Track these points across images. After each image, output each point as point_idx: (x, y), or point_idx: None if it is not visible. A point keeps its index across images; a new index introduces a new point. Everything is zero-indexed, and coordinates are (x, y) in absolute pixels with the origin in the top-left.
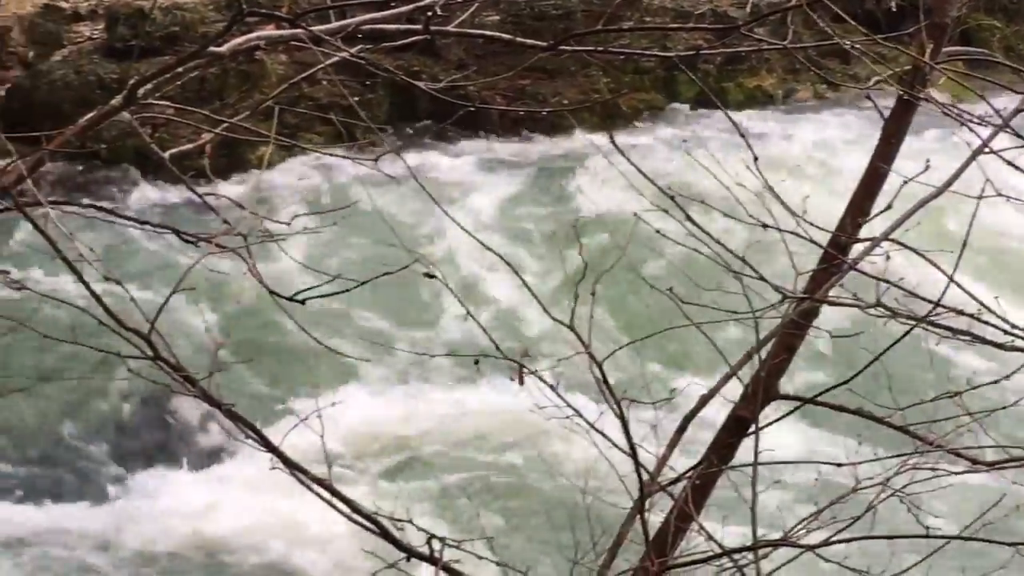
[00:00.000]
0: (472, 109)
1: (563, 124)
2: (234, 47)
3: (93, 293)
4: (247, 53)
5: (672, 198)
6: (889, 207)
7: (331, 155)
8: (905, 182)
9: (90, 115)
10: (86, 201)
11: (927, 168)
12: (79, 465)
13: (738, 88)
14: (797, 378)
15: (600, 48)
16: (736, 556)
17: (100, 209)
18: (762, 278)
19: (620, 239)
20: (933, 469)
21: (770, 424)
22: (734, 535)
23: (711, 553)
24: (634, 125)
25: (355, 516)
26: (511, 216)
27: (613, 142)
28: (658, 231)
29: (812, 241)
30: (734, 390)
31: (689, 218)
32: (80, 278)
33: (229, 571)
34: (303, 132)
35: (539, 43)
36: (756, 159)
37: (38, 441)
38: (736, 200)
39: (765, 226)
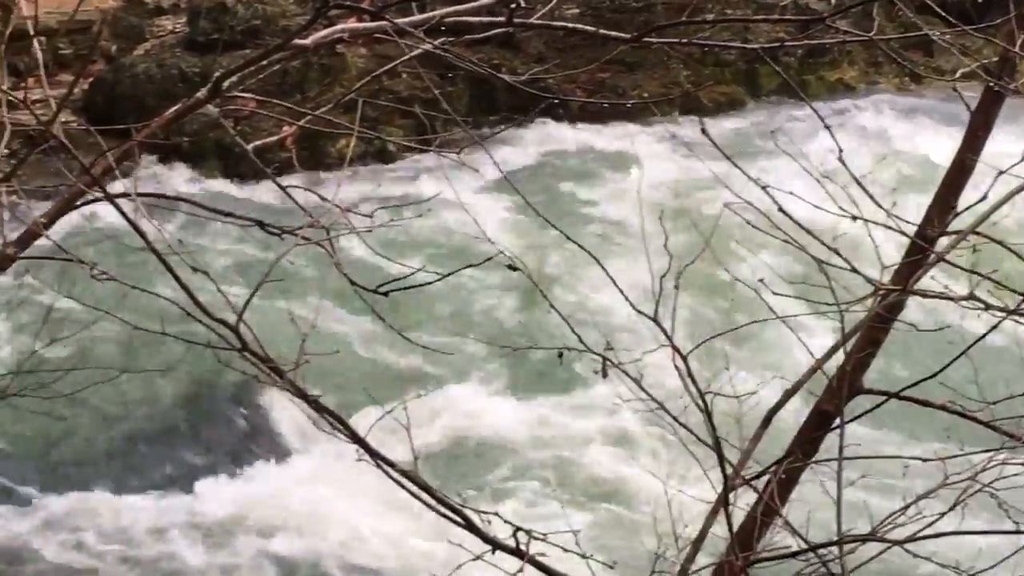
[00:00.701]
0: (555, 101)
1: (643, 117)
2: (318, 39)
3: (182, 284)
4: (330, 46)
5: (764, 188)
6: (984, 198)
7: (414, 148)
8: (1000, 173)
9: (176, 107)
10: (171, 193)
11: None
12: (166, 454)
13: (819, 81)
14: (881, 372)
15: (683, 40)
16: (821, 551)
17: (187, 201)
18: (854, 269)
19: (706, 231)
20: (1023, 465)
21: (855, 419)
22: (818, 530)
23: (796, 548)
24: (716, 117)
25: (441, 508)
26: (592, 208)
27: (704, 132)
28: (748, 222)
29: (902, 233)
30: (818, 384)
31: (781, 209)
32: (169, 269)
33: (313, 562)
34: (383, 125)
35: (622, 35)
36: (841, 151)
37: (126, 430)
38: (826, 192)
39: (854, 218)
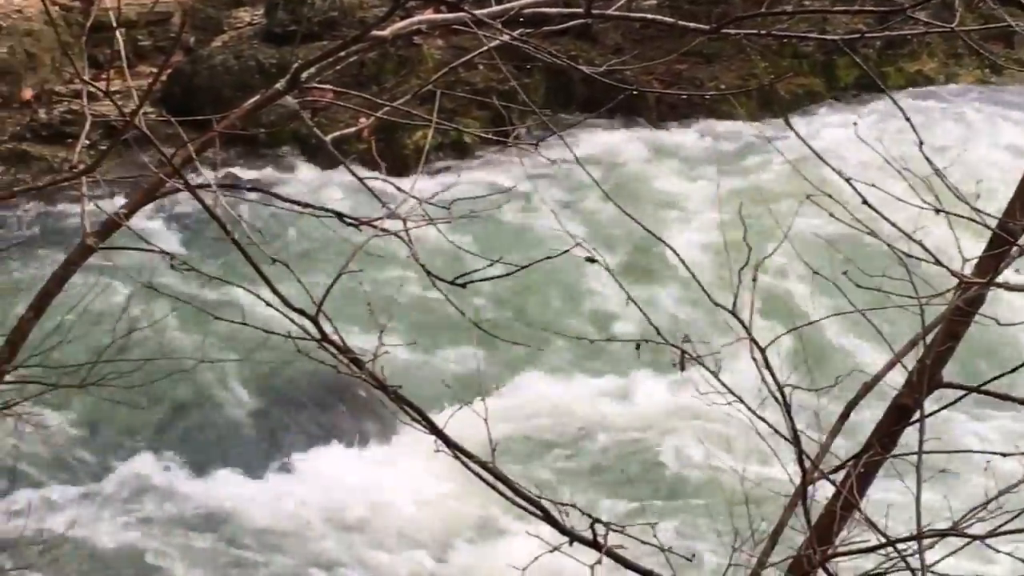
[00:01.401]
0: (634, 93)
1: (720, 109)
2: (396, 31)
3: (262, 274)
4: (407, 37)
5: (848, 180)
6: None
7: (490, 139)
8: None
9: (255, 98)
10: (250, 184)
11: None
12: (241, 445)
13: (899, 72)
14: (960, 366)
15: (761, 32)
16: (900, 546)
17: (265, 192)
18: (938, 262)
19: (784, 223)
20: None
21: (934, 413)
22: (896, 525)
23: (875, 543)
24: (794, 109)
25: (519, 500)
26: (670, 200)
27: (788, 122)
28: (831, 214)
29: (984, 225)
30: (898, 377)
31: (865, 201)
32: (249, 259)
33: (386, 553)
34: (459, 117)
35: (701, 26)
36: (921, 143)
37: (202, 420)
38: (909, 184)
39: (937, 210)
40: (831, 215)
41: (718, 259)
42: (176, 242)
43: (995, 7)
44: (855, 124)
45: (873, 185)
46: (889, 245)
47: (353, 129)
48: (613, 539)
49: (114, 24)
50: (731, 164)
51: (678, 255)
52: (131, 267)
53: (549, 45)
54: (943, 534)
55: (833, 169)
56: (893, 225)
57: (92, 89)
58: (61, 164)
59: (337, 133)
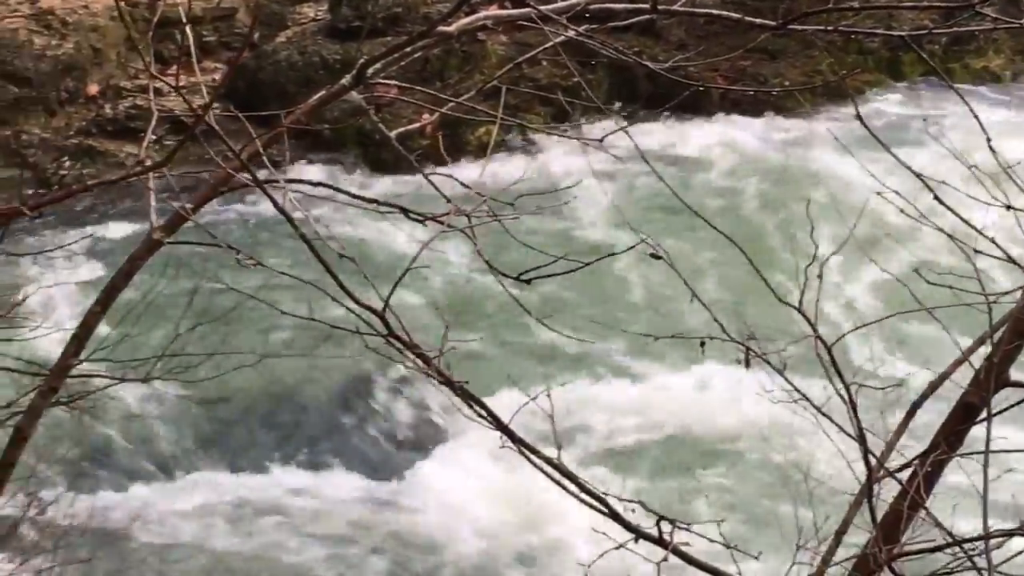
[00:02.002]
0: (700, 89)
1: (785, 105)
2: (462, 26)
3: (329, 270)
4: (472, 33)
5: (919, 176)
6: None
7: (555, 135)
8: None
9: (321, 94)
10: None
11: None
12: (305, 440)
13: (965, 69)
14: None
15: (827, 27)
16: (967, 546)
17: (332, 188)
18: (1011, 259)
19: (851, 220)
20: None
21: (1002, 411)
22: (962, 524)
23: (941, 542)
24: (859, 106)
25: (584, 496)
26: (735, 196)
27: (859, 117)
28: (902, 211)
29: None
30: (965, 376)
31: (936, 197)
32: (316, 255)
33: (451, 550)
34: (522, 112)
35: (768, 22)
36: (989, 140)
37: (266, 415)
38: (978, 181)
39: (1008, 207)
40: (901, 211)
41: (784, 256)
42: (241, 237)
43: None
44: (924, 120)
45: (943, 182)
46: (956, 241)
47: (417, 125)
48: (679, 537)
49: (183, 19)
50: (796, 161)
51: (743, 252)
52: (197, 262)
53: (613, 41)
54: (1010, 534)
55: (903, 164)
56: (963, 221)
57: (159, 84)
58: (126, 159)
59: (401, 129)
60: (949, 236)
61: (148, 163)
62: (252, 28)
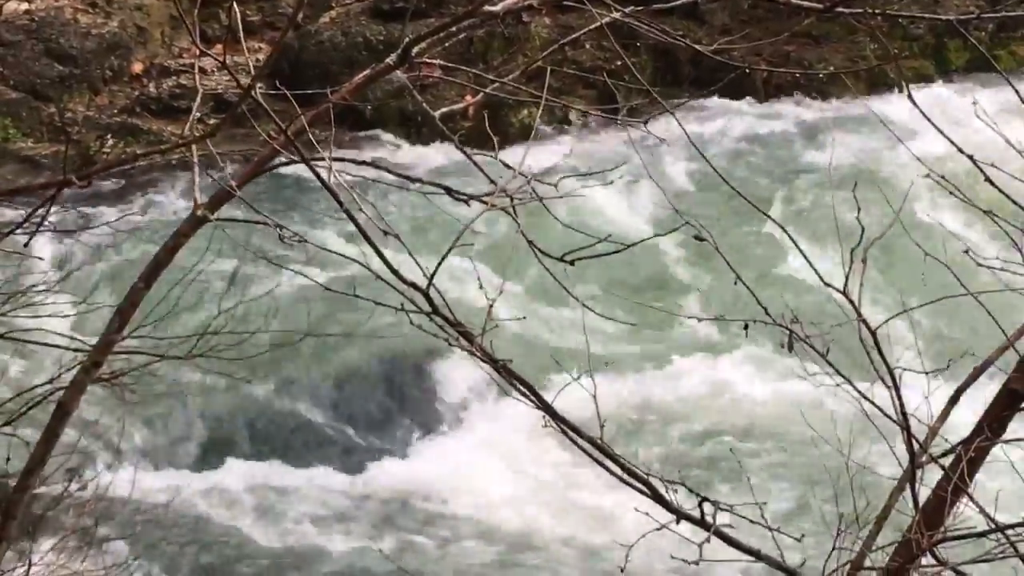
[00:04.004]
0: (746, 72)
1: (829, 90)
2: (508, 6)
3: (375, 247)
4: (516, 15)
5: (971, 158)
6: None
7: (598, 117)
8: None
9: (366, 72)
10: (361, 158)
11: None
12: (348, 418)
13: (1011, 56)
14: None
15: (874, 11)
16: (1010, 532)
17: (377, 167)
18: None
19: (896, 203)
20: None
21: None
22: (1006, 511)
23: (983, 528)
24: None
25: (627, 477)
26: (780, 180)
27: (911, 98)
28: (952, 192)
29: None
30: (1010, 361)
31: (988, 179)
32: (363, 233)
33: (494, 528)
34: (565, 95)
35: (814, 5)
36: None
37: (308, 393)
38: None
39: None
40: (951, 193)
41: (829, 239)
42: (286, 214)
43: None
44: (975, 104)
45: (993, 165)
46: (1002, 225)
47: (460, 105)
48: (721, 518)
49: None
50: (842, 144)
51: (788, 234)
52: (241, 238)
53: (656, 25)
54: None
55: (956, 147)
56: (1015, 203)
57: (204, 63)
58: (171, 137)
59: (445, 109)
60: (995, 220)
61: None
62: (297, 8)
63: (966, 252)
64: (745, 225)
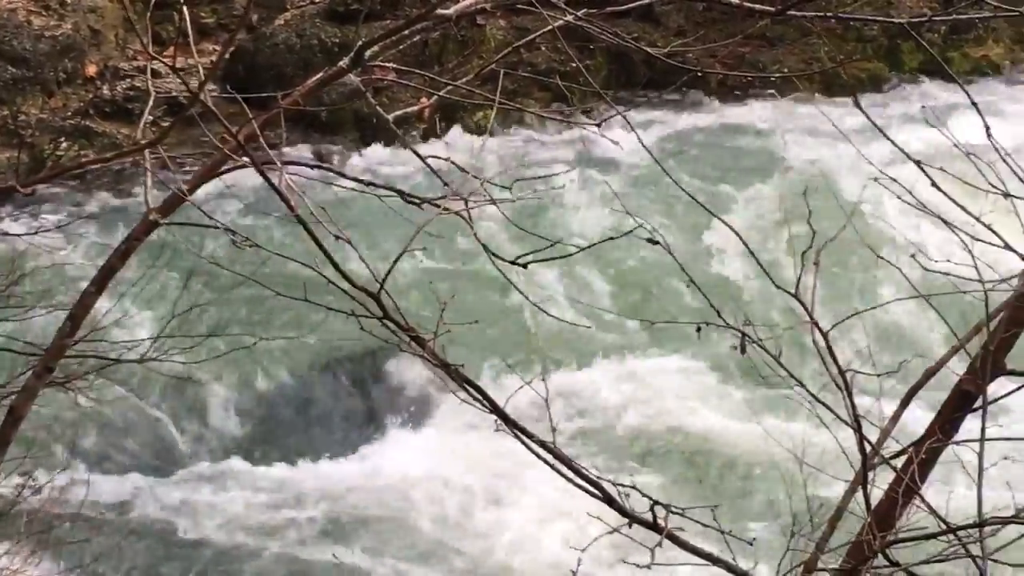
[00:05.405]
0: (698, 74)
1: (782, 92)
2: (460, 9)
3: (326, 252)
4: (471, 17)
5: (918, 164)
6: None
7: (552, 119)
8: None
9: (318, 76)
10: (314, 162)
11: None
12: (299, 421)
13: (964, 58)
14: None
15: (827, 14)
16: (961, 533)
17: (329, 170)
18: (1008, 246)
19: (848, 206)
20: None
21: (998, 400)
22: (957, 512)
23: (935, 529)
24: (858, 93)
25: (579, 480)
26: (732, 183)
27: (857, 103)
28: (899, 197)
29: None
30: (961, 363)
31: (934, 184)
32: (313, 237)
33: (445, 532)
34: (520, 97)
35: (766, 8)
36: (988, 129)
37: (261, 397)
38: (977, 169)
39: (1006, 195)
40: (899, 198)
41: (780, 242)
42: (238, 219)
43: None
44: (923, 107)
45: (941, 168)
46: (954, 229)
47: (415, 108)
48: (673, 522)
49: (180, 0)
50: (794, 147)
51: (740, 237)
52: (193, 243)
53: (611, 26)
54: (1005, 522)
55: (901, 151)
56: (961, 208)
57: (157, 65)
58: (124, 140)
59: (399, 112)
60: (946, 223)
61: (144, 142)
62: (247, 9)
63: (912, 256)
64: (700, 228)
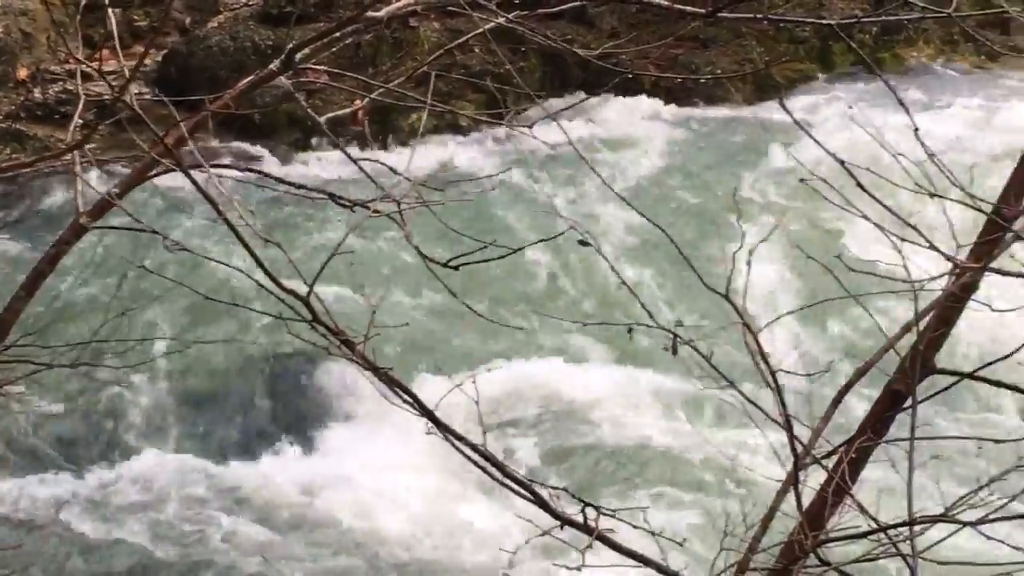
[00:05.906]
0: (629, 76)
1: (716, 94)
2: (391, 12)
3: (254, 256)
4: (403, 19)
5: (843, 163)
6: None
7: (486, 122)
8: None
9: (249, 79)
10: (244, 165)
11: None
12: (232, 427)
13: (894, 59)
14: (954, 352)
15: (758, 16)
16: (892, 532)
17: (259, 173)
18: (933, 246)
19: (778, 208)
20: None
21: (927, 399)
22: (888, 511)
23: (866, 528)
24: (789, 94)
25: (509, 483)
26: (664, 185)
27: (783, 105)
28: (826, 198)
29: (979, 210)
30: (891, 363)
31: (859, 184)
32: (241, 240)
33: (377, 535)
34: (455, 99)
35: (697, 10)
36: (916, 129)
37: (194, 401)
38: (904, 169)
39: (932, 194)
40: (825, 199)
41: (712, 243)
42: (170, 223)
43: None
44: (850, 108)
45: (868, 169)
46: (883, 229)
47: (348, 111)
48: (604, 523)
49: (107, 2)
50: (726, 149)
51: (671, 238)
52: (124, 247)
53: (545, 28)
54: (934, 520)
55: (828, 152)
56: (887, 209)
57: (85, 68)
58: (54, 144)
59: (332, 114)
60: (875, 224)
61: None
62: (168, 8)
63: (838, 257)
64: (632, 230)
